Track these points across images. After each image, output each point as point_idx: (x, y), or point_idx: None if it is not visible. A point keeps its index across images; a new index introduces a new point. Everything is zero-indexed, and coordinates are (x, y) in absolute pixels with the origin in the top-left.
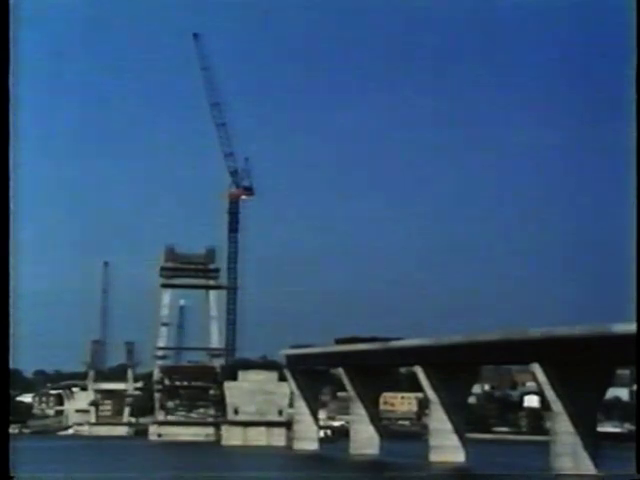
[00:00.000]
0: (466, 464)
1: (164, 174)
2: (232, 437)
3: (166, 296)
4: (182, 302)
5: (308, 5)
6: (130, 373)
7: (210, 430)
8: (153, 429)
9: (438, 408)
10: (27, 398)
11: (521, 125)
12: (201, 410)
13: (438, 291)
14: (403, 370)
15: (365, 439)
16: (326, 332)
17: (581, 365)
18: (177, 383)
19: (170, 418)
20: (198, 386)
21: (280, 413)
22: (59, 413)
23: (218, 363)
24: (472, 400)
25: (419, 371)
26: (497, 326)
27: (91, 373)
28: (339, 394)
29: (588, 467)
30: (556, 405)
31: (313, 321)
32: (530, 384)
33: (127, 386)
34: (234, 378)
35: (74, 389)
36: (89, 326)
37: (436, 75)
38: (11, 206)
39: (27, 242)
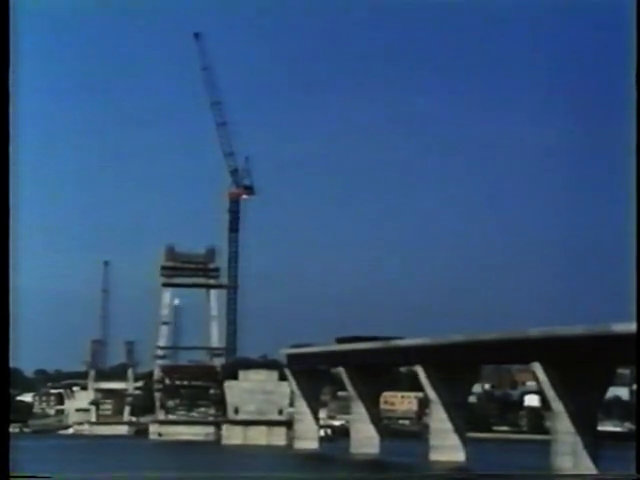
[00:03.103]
0: (466, 463)
1: (164, 173)
2: (232, 436)
3: (166, 295)
4: (176, 301)
5: (309, 5)
6: (130, 372)
7: (210, 429)
8: (153, 428)
9: (438, 407)
10: (27, 397)
11: (520, 125)
12: (201, 409)
13: (438, 291)
14: (403, 369)
15: (365, 438)
16: (327, 331)
17: (581, 364)
18: (177, 382)
19: (170, 417)
20: (198, 385)
21: (280, 412)
22: (59, 412)
23: (218, 362)
24: (472, 399)
25: (419, 370)
26: (497, 326)
27: (91, 372)
28: (339, 393)
29: (588, 466)
30: (556, 404)
31: (314, 320)
32: (530, 383)
33: (127, 385)
34: (234, 377)
35: (74, 388)
36: (89, 325)
37: (432, 74)
38: (11, 206)
39: (27, 242)
